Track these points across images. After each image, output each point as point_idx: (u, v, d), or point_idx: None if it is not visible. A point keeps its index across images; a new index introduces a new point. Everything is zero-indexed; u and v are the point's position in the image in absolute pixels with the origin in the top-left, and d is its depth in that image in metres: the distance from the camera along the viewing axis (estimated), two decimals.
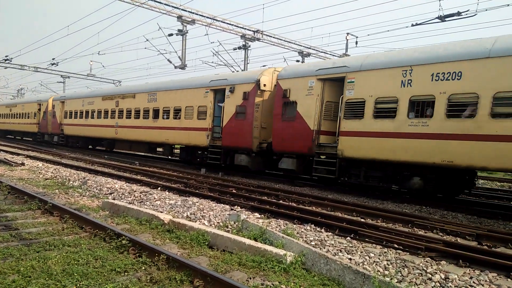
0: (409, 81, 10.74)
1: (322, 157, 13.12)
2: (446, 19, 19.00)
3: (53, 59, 38.19)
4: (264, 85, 14.81)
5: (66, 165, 17.01)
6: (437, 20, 19.26)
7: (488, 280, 5.17)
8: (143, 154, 24.84)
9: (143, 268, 5.06)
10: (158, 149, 23.25)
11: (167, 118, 19.44)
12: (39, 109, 33.66)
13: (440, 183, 10.81)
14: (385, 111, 11.19)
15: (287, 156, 14.04)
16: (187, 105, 18.12)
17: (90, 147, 29.50)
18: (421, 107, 10.62)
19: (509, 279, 5.22)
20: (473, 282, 5.05)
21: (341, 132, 12.14)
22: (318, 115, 12.93)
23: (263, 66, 30.44)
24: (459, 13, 18.44)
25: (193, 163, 18.89)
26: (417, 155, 10.44)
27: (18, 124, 37.80)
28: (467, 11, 18.26)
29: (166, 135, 19.47)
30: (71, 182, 12.70)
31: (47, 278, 4.52)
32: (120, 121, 23.41)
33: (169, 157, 21.91)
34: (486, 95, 9.27)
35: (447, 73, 9.97)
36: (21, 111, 37.05)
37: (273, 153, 14.84)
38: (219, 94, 16.81)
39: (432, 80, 10.24)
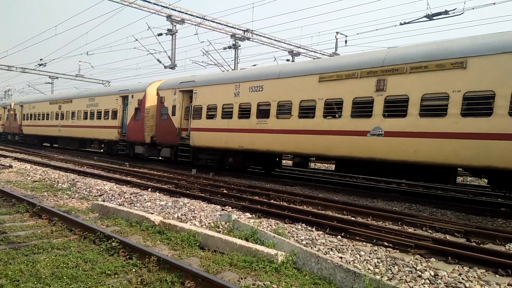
0: (238, 93, 15.20)
1: None
2: (434, 17, 19.21)
3: (40, 59, 37.77)
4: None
5: (54, 167, 16.83)
6: (425, 18, 19.47)
7: (476, 276, 5.24)
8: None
9: (134, 270, 5.03)
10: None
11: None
12: None
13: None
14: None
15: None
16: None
17: None
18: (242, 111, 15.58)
19: (497, 275, 5.30)
20: (462, 278, 5.11)
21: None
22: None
23: (254, 65, 30.44)
24: (446, 12, 18.66)
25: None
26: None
27: None
28: (454, 9, 18.50)
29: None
30: (60, 184, 12.56)
31: (36, 282, 4.47)
32: None
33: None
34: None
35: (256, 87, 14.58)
36: None
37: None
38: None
39: (249, 91, 14.84)
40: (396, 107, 10.69)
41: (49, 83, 48.49)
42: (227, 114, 15.60)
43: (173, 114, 17.98)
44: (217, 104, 15.96)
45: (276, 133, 13.78)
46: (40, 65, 38.34)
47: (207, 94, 16.48)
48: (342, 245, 6.40)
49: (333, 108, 12.33)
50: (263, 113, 14.38)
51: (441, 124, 9.76)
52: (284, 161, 22.27)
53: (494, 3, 19.03)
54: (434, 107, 10.05)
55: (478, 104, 9.28)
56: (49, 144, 33.39)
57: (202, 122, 16.61)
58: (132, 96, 20.64)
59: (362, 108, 11.46)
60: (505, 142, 8.75)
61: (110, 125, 22.35)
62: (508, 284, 4.99)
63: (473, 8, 18.89)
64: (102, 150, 25.91)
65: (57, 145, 32.29)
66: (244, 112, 14.95)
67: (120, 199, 10.20)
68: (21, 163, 18.27)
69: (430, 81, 10.09)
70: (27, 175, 14.38)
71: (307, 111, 12.92)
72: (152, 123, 19.41)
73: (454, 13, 18.48)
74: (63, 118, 27.45)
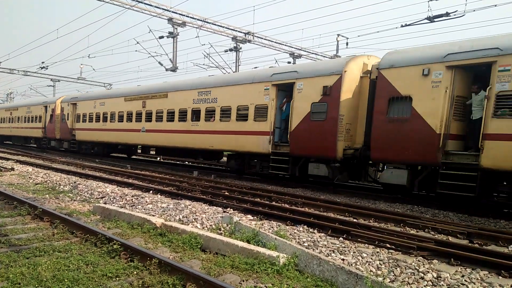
0: (95, 106, 25.18)
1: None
2: (435, 19, 19.19)
3: (42, 62, 37.86)
4: None
5: (56, 170, 16.85)
6: (426, 20, 19.45)
7: (479, 278, 5.21)
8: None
9: (135, 272, 5.02)
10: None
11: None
12: None
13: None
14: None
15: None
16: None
17: None
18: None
19: (500, 277, 5.27)
20: (465, 280, 5.08)
21: None
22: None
23: (255, 67, 30.45)
24: (447, 14, 18.63)
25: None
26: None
27: None
28: (455, 11, 18.46)
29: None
30: (62, 186, 12.57)
31: (37, 285, 4.47)
32: None
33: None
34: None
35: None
36: None
37: None
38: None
39: (99, 105, 24.67)
40: (149, 116, 20.28)
41: (51, 86, 48.60)
42: (90, 119, 25.41)
43: (67, 119, 27.82)
44: (87, 113, 25.82)
45: (110, 131, 23.58)
46: (42, 68, 38.46)
47: (83, 106, 26.45)
48: (344, 247, 6.38)
49: (130, 116, 21.87)
50: (105, 118, 24.06)
51: (161, 125, 19.33)
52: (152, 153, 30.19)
53: (496, 5, 19.00)
54: (159, 116, 19.62)
55: (172, 116, 18.59)
56: (10, 142, 41.46)
57: (81, 125, 26.46)
58: (49, 106, 30.42)
59: (138, 116, 21.10)
60: (179, 134, 18.17)
61: (38, 127, 32.09)
62: (511, 286, 4.96)
63: (474, 10, 18.89)
64: (35, 145, 35.27)
65: (11, 142, 40.98)
66: (97, 118, 24.68)
67: (122, 201, 10.20)
68: (23, 165, 18.29)
69: (157, 103, 19.74)
70: (29, 177, 14.40)
71: (120, 118, 22.71)
72: (59, 125, 28.83)
73: (455, 15, 18.44)
74: (13, 121, 37.31)
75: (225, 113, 15.97)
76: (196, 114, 17.33)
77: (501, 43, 9.38)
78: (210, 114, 16.61)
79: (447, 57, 10.07)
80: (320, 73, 12.89)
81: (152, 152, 28.80)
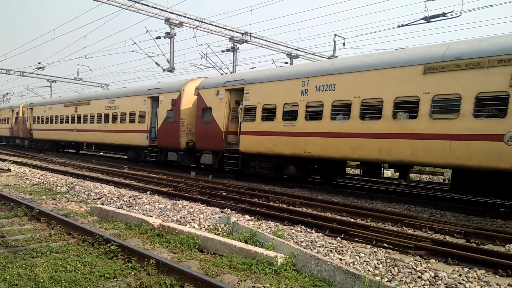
0: (45, 110, 31.23)
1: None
2: (432, 20, 19.23)
3: (39, 63, 37.74)
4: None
5: (53, 171, 16.79)
6: (422, 21, 19.49)
7: (476, 277, 5.23)
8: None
9: (133, 273, 5.01)
10: None
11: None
12: None
13: None
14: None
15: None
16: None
17: None
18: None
19: (497, 276, 5.29)
20: (462, 279, 5.10)
21: None
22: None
23: (252, 68, 30.45)
24: (444, 14, 18.68)
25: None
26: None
27: None
28: (452, 11, 18.51)
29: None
30: (59, 187, 12.53)
31: (34, 286, 4.46)
32: None
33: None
34: None
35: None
36: None
37: None
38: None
39: (48, 110, 30.94)
40: (79, 119, 25.66)
41: (47, 86, 48.39)
42: (42, 121, 30.84)
43: (27, 121, 33.33)
44: (40, 116, 31.34)
45: (55, 131, 28.97)
46: (38, 68, 38.37)
47: (38, 111, 31.99)
48: (342, 247, 6.39)
49: (67, 119, 27.19)
50: (51, 120, 29.39)
51: (87, 126, 24.79)
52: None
53: (492, 5, 19.07)
54: (85, 119, 24.98)
55: (93, 119, 24.27)
56: None
57: (36, 126, 32.06)
58: (15, 110, 36.25)
59: (72, 119, 26.57)
60: (98, 133, 23.96)
61: (7, 127, 38.03)
62: (508, 285, 4.99)
63: (470, 10, 18.95)
64: (5, 143, 40.44)
65: None
66: (47, 120, 30.08)
67: (119, 202, 10.17)
68: (20, 166, 18.23)
69: (84, 109, 25.27)
70: (26, 178, 14.35)
71: (61, 120, 28.00)
72: (21, 126, 34.50)
73: (451, 15, 18.49)
74: None
75: (123, 116, 21.79)
76: (107, 117, 23.21)
77: (246, 77, 15.31)
78: (114, 117, 22.44)
79: (225, 84, 15.97)
80: (170, 90, 18.56)
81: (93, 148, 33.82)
